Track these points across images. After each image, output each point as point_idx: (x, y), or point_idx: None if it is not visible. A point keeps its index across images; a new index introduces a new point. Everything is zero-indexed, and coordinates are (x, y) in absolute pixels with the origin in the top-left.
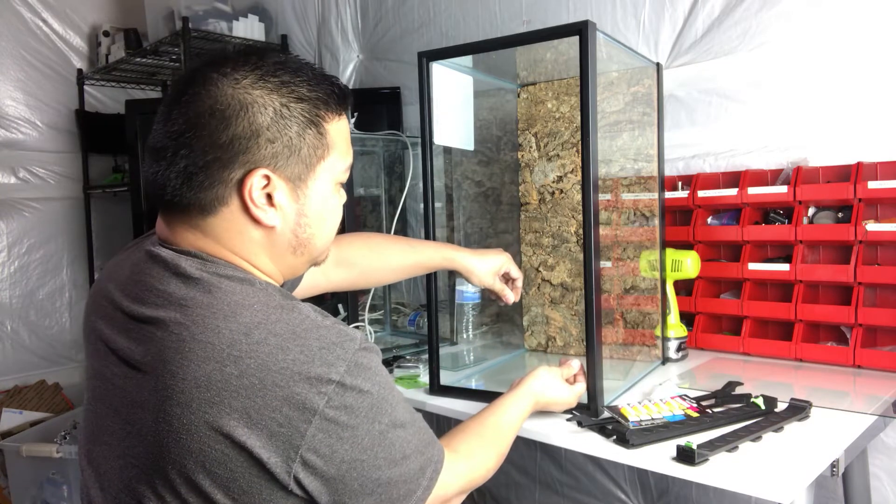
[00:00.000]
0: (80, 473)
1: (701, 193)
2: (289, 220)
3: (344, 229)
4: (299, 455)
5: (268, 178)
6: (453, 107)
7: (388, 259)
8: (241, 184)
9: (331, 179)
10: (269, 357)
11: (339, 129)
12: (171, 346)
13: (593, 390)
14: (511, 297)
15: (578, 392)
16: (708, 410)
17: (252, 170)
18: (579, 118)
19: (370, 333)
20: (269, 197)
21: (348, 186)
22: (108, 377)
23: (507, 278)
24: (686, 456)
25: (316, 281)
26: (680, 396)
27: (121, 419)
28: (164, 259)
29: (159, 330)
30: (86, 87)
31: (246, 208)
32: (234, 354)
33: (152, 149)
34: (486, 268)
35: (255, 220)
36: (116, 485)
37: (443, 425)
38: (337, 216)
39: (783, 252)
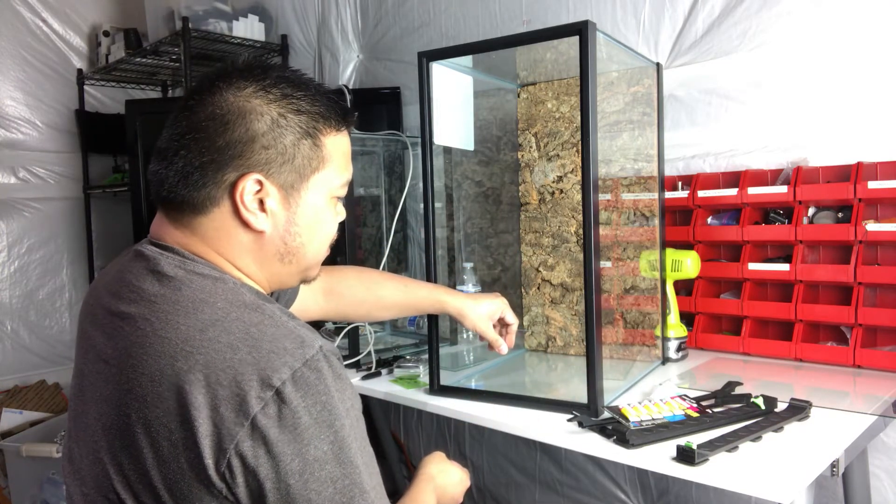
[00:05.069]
0: (62, 472)
1: (701, 193)
2: (279, 227)
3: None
4: (227, 459)
5: (260, 183)
6: (453, 107)
7: (378, 295)
8: (233, 186)
9: (325, 192)
10: (218, 354)
11: (338, 144)
12: (135, 341)
13: (593, 390)
14: (504, 347)
15: (467, 474)
16: (708, 410)
17: (245, 173)
18: (579, 118)
19: (370, 334)
20: (261, 202)
21: (348, 190)
22: (86, 374)
23: (502, 323)
24: (686, 456)
25: (306, 307)
26: (680, 396)
27: (91, 416)
28: (147, 256)
29: (127, 325)
30: (86, 87)
31: (237, 211)
32: (186, 350)
33: (158, 149)
34: (479, 312)
35: (245, 224)
36: (90, 482)
37: (443, 425)
38: (330, 229)
39: (783, 252)
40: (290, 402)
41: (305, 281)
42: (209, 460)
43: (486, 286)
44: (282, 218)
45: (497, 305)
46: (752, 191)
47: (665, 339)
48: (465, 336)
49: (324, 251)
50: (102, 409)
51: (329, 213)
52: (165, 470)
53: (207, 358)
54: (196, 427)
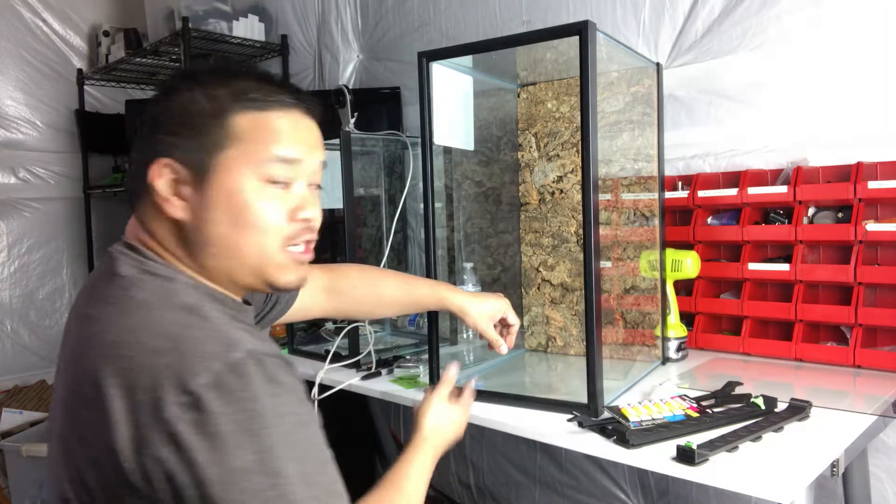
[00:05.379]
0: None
1: (701, 193)
2: (196, 215)
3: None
4: (146, 465)
5: (171, 167)
6: (453, 107)
7: (380, 293)
8: (149, 172)
9: (249, 174)
10: (144, 358)
11: (261, 121)
12: (82, 342)
13: (593, 390)
14: (504, 347)
15: (468, 404)
16: (708, 410)
17: (157, 158)
18: (579, 118)
19: (370, 334)
20: (178, 189)
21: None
22: (57, 375)
23: (503, 324)
24: (686, 456)
25: (308, 305)
26: (680, 396)
27: (54, 416)
28: (112, 257)
29: (81, 326)
30: (86, 87)
31: (156, 198)
32: (117, 353)
33: None
34: (481, 311)
35: (165, 212)
36: (51, 480)
37: None
38: (268, 218)
39: (783, 252)
40: (207, 407)
41: (274, 286)
42: (130, 465)
43: (486, 286)
44: (196, 204)
45: (500, 306)
46: (752, 191)
47: (665, 339)
48: (465, 336)
49: (271, 246)
50: (59, 410)
51: (260, 198)
52: (98, 472)
53: (132, 361)
54: (117, 431)
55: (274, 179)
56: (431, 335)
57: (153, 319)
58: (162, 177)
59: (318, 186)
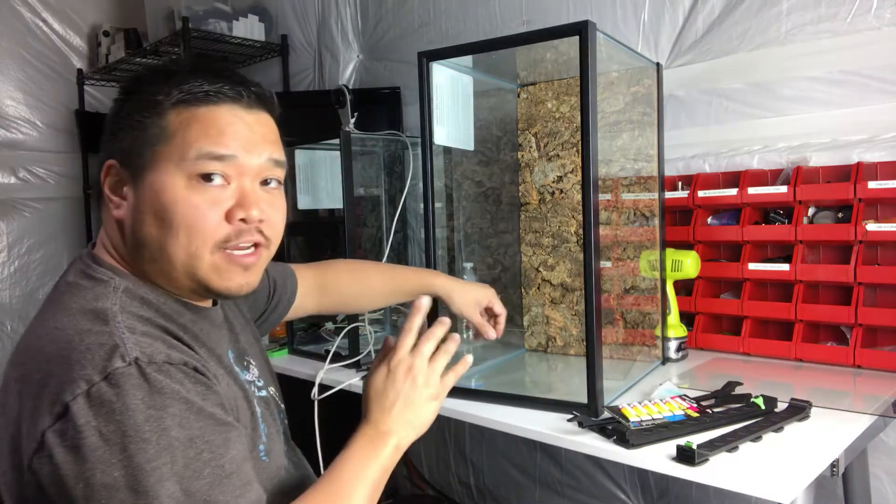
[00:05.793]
0: None
1: (701, 193)
2: (131, 216)
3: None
4: (25, 475)
5: (115, 168)
6: (453, 107)
7: (368, 285)
8: (101, 175)
9: (176, 171)
10: (39, 365)
11: (190, 116)
12: (14, 349)
13: (593, 390)
14: (492, 333)
15: (448, 385)
16: (708, 410)
17: (106, 161)
18: (579, 118)
19: (370, 334)
20: (120, 190)
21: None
22: None
23: (490, 314)
24: (686, 456)
25: (303, 305)
26: (680, 396)
27: None
28: (72, 261)
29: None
30: (86, 87)
31: (107, 200)
32: (19, 360)
33: None
34: (466, 296)
35: (112, 214)
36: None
37: (443, 425)
38: (196, 215)
39: (783, 252)
40: (76, 420)
41: (212, 291)
42: (16, 474)
43: None
44: (132, 204)
45: (485, 294)
46: (752, 191)
47: (665, 339)
48: (464, 336)
49: (201, 248)
50: None
51: (188, 196)
52: (4, 483)
53: (30, 368)
54: (9, 438)
55: (205, 176)
56: None
57: (59, 325)
58: (108, 179)
59: (280, 183)
